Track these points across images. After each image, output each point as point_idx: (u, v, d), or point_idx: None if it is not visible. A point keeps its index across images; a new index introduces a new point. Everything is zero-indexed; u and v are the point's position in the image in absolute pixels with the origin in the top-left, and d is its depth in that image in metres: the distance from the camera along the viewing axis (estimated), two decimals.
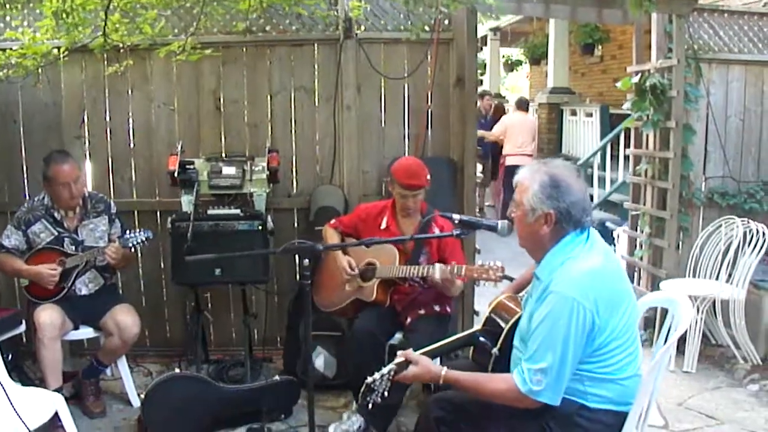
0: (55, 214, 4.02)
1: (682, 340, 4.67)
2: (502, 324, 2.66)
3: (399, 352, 2.61)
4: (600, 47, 12.72)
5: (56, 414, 3.15)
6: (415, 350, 2.65)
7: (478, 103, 10.56)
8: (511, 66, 17.92)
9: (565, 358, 2.27)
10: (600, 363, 2.37)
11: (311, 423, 2.82)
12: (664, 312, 2.83)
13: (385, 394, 2.54)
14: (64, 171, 3.89)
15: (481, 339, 2.68)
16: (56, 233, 4.00)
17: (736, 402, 4.19)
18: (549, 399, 2.30)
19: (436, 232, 3.76)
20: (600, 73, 13.41)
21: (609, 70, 12.81)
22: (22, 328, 4.15)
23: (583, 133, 10.88)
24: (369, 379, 2.55)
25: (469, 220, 2.79)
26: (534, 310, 2.39)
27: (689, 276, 5.04)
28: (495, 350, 2.61)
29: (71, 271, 3.96)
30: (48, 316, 3.76)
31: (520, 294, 2.95)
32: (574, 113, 11.38)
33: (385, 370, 2.55)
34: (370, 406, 2.57)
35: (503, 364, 2.53)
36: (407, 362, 2.55)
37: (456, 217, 2.81)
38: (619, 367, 2.39)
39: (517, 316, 2.63)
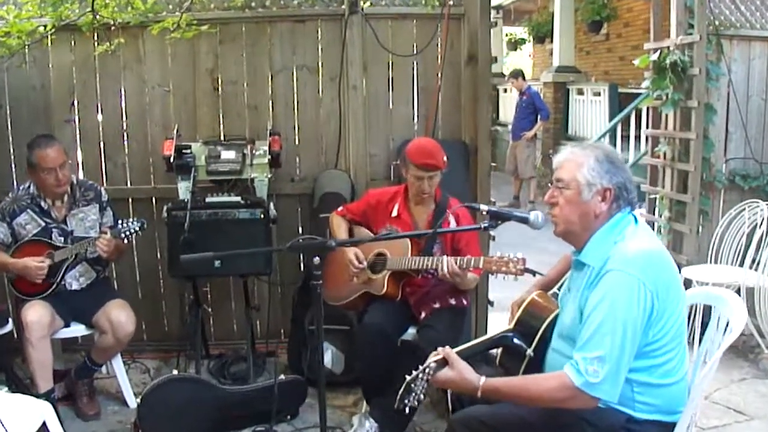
0: (42, 204, 3.82)
1: (703, 329, 4.54)
2: (537, 324, 2.48)
3: (439, 348, 2.39)
4: (607, 25, 12.53)
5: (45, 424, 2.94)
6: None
7: (513, 83, 10.49)
8: (515, 45, 17.78)
9: (624, 344, 2.09)
10: (650, 362, 2.19)
11: (323, 424, 2.64)
12: (695, 307, 2.63)
13: (422, 396, 2.34)
14: (49, 156, 3.69)
15: (516, 341, 2.49)
16: (43, 224, 3.81)
17: (764, 395, 4.06)
18: (607, 394, 2.10)
19: (452, 221, 3.54)
20: (605, 51, 13.29)
21: (614, 49, 12.72)
22: (9, 327, 3.94)
23: (590, 113, 10.70)
24: (408, 378, 2.34)
25: (499, 212, 2.51)
26: (586, 298, 2.21)
27: (710, 262, 4.90)
28: (530, 351, 2.43)
29: (60, 265, 3.77)
30: (36, 313, 3.57)
31: (550, 292, 2.75)
32: (581, 92, 11.19)
33: (422, 367, 2.35)
34: (407, 410, 2.37)
35: (536, 368, 2.36)
36: (445, 360, 2.34)
37: (484, 207, 2.56)
38: (669, 368, 2.22)
39: (553, 315, 2.46)
